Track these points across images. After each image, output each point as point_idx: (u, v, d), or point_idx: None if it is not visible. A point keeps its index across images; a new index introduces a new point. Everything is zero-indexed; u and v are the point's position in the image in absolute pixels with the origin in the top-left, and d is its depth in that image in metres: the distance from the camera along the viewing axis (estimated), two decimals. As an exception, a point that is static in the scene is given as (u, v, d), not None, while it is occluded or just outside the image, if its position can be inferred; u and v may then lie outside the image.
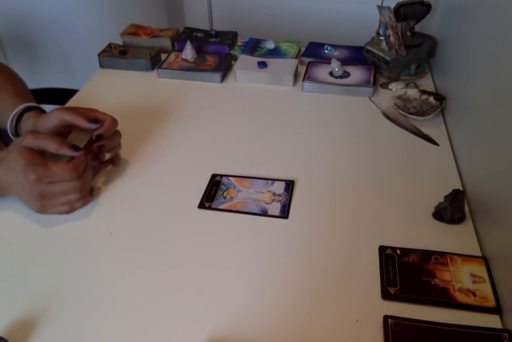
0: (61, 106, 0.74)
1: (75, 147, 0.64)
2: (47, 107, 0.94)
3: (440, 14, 1.07)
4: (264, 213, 0.68)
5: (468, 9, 0.87)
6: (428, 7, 1.01)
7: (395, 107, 0.90)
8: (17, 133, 0.76)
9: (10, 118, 0.75)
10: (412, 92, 0.94)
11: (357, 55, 1.08)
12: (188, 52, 1.04)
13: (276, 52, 1.10)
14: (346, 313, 0.55)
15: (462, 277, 0.58)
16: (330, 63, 1.00)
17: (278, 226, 0.66)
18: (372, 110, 0.93)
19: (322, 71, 1.01)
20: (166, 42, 1.12)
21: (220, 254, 0.62)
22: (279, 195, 0.71)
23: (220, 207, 0.69)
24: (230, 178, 0.74)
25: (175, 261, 0.61)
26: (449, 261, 0.60)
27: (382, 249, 0.62)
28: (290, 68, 1.01)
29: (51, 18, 1.91)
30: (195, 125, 0.88)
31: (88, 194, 0.69)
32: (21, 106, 0.76)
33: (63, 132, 0.69)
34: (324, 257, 0.62)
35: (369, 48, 1.03)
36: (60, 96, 1.08)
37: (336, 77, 1.00)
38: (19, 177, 0.61)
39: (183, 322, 0.54)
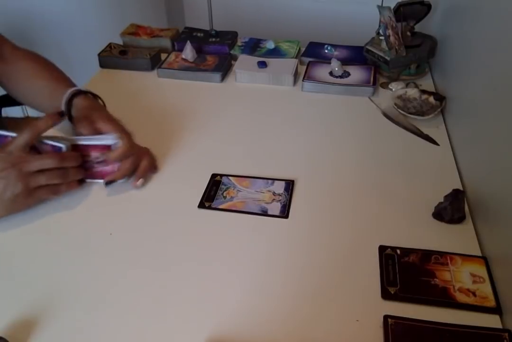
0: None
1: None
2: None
3: (440, 14, 1.07)
4: (264, 213, 0.68)
5: (468, 9, 0.87)
6: (428, 7, 1.01)
7: (395, 107, 0.90)
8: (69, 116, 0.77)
9: (63, 103, 0.76)
10: (412, 92, 0.94)
11: (357, 55, 1.08)
12: (188, 52, 1.04)
13: (276, 52, 1.10)
14: (346, 313, 0.55)
15: (462, 277, 0.58)
16: (330, 63, 1.00)
17: (278, 226, 0.66)
18: (372, 110, 0.93)
19: (322, 71, 1.01)
20: (166, 42, 1.12)
21: (220, 254, 0.62)
22: (279, 195, 0.71)
23: (220, 207, 0.69)
24: (230, 177, 0.74)
25: (175, 260, 0.61)
26: (449, 261, 0.60)
27: (382, 249, 0.62)
28: (290, 68, 1.01)
29: (51, 18, 1.91)
30: (195, 125, 0.88)
31: (74, 180, 0.67)
32: (70, 91, 0.76)
33: None
34: (324, 256, 0.62)
35: (369, 48, 1.03)
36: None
37: (336, 77, 1.00)
38: None
39: (183, 322, 0.54)
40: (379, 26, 0.98)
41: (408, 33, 1.02)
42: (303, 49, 1.13)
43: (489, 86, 0.71)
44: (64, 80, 0.83)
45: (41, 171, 0.62)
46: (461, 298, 0.56)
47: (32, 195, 0.63)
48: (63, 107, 0.76)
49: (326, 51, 1.11)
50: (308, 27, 1.75)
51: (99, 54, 1.07)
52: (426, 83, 1.01)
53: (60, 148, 0.67)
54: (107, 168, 0.71)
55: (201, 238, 0.64)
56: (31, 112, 2.30)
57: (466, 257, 0.61)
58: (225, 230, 0.66)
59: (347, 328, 0.53)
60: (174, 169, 0.77)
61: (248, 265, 0.60)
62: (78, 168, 0.68)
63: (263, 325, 0.53)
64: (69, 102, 0.77)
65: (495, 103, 0.67)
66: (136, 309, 0.55)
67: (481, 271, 0.59)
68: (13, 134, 0.64)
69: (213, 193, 0.71)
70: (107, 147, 0.70)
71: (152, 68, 1.06)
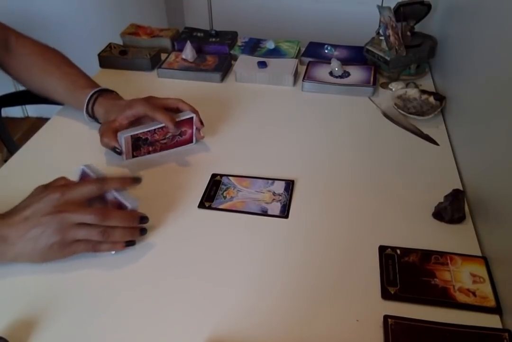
0: (140, 98, 0.79)
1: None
2: (48, 108, 0.93)
3: (440, 14, 1.07)
4: (264, 213, 0.68)
5: (468, 9, 0.87)
6: (428, 7, 1.01)
7: (395, 107, 0.90)
8: (90, 115, 0.82)
9: (85, 103, 0.81)
10: (412, 92, 0.94)
11: (357, 55, 1.08)
12: (188, 52, 1.04)
13: (276, 52, 1.10)
14: (346, 313, 0.55)
15: (462, 277, 0.58)
16: (330, 63, 1.00)
17: (278, 226, 0.66)
18: (372, 110, 0.93)
19: (322, 71, 1.01)
20: (166, 42, 1.12)
21: (220, 254, 0.62)
22: (279, 195, 0.71)
23: (220, 207, 0.69)
24: (230, 177, 0.74)
25: (174, 260, 0.61)
26: (449, 261, 0.60)
27: (382, 249, 0.62)
28: (290, 68, 1.01)
29: (51, 18, 1.91)
30: (195, 125, 0.88)
31: (120, 241, 0.60)
32: (93, 91, 0.81)
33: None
34: (324, 256, 0.62)
35: (369, 48, 1.03)
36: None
37: (336, 77, 1.00)
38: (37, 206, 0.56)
39: (183, 321, 0.54)
40: (379, 26, 0.98)
41: (408, 33, 1.02)
42: (303, 49, 1.13)
43: (489, 86, 0.71)
44: (74, 77, 0.85)
45: (83, 224, 0.57)
46: (461, 298, 0.56)
47: (68, 247, 0.58)
48: (84, 106, 0.81)
49: (326, 51, 1.11)
50: (308, 27, 1.75)
51: (99, 54, 1.07)
52: (426, 83, 1.01)
53: (126, 206, 0.61)
54: (185, 137, 0.81)
55: (201, 238, 0.64)
56: (31, 113, 2.31)
57: (466, 257, 0.61)
58: (225, 230, 0.66)
59: (347, 328, 0.53)
60: (174, 169, 0.77)
61: (248, 265, 0.60)
62: (128, 230, 0.60)
63: (263, 325, 0.53)
64: (92, 107, 0.81)
65: (495, 103, 0.67)
66: (135, 309, 0.55)
67: (481, 271, 0.59)
68: (93, 174, 0.62)
69: (213, 193, 0.71)
70: (189, 121, 0.78)
71: (152, 68, 1.06)
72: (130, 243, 0.61)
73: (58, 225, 0.56)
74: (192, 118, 0.78)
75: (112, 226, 0.58)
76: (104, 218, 0.57)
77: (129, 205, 0.60)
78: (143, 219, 0.61)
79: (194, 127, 0.80)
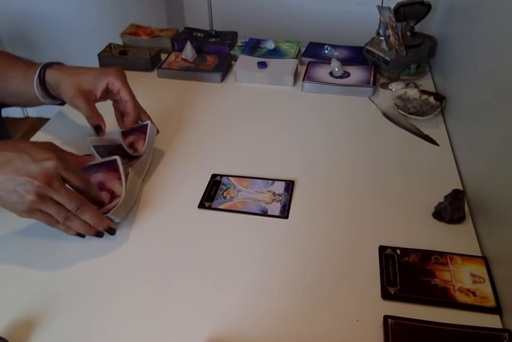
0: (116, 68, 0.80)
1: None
2: (48, 108, 0.94)
3: (440, 14, 1.07)
4: (264, 213, 0.68)
5: (468, 9, 0.87)
6: (428, 7, 1.01)
7: (395, 107, 0.90)
8: (46, 92, 0.76)
9: (34, 80, 0.74)
10: (412, 92, 0.94)
11: (357, 55, 1.08)
12: (188, 52, 1.04)
13: (276, 52, 1.10)
14: (346, 313, 0.55)
15: (462, 277, 0.58)
16: (330, 63, 1.00)
17: (278, 226, 0.66)
18: (372, 110, 0.93)
19: (322, 71, 1.01)
20: (166, 42, 1.12)
21: (220, 254, 0.62)
22: (279, 195, 0.71)
23: (220, 207, 0.69)
24: (230, 177, 0.74)
25: (174, 260, 0.61)
26: (449, 261, 0.60)
27: (382, 249, 0.62)
28: (290, 68, 1.01)
29: (51, 18, 1.91)
30: (195, 125, 0.88)
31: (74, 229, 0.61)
32: (40, 66, 0.75)
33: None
34: (324, 257, 0.62)
35: (369, 48, 1.03)
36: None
37: (336, 77, 1.00)
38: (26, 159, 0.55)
39: (183, 322, 0.54)
40: (379, 26, 0.98)
41: (408, 33, 1.02)
42: (303, 49, 1.13)
43: (489, 86, 0.71)
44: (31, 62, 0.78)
45: (56, 202, 0.57)
46: (461, 298, 0.56)
47: (29, 213, 0.57)
48: (35, 83, 0.74)
49: (326, 51, 1.11)
50: (308, 27, 1.75)
51: (99, 54, 1.07)
52: (426, 83, 1.01)
53: (108, 212, 0.62)
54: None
55: (201, 238, 0.64)
56: (31, 113, 2.31)
57: (466, 257, 0.61)
58: (225, 230, 0.66)
59: (347, 328, 0.53)
60: (174, 170, 0.77)
61: (248, 265, 0.60)
62: (87, 226, 0.60)
63: (263, 325, 0.53)
64: (43, 78, 0.74)
65: (495, 103, 0.67)
66: (136, 309, 0.55)
67: (481, 271, 0.59)
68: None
69: (213, 193, 0.71)
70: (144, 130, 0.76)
71: (152, 68, 1.06)
72: (80, 235, 0.62)
73: (35, 194, 0.55)
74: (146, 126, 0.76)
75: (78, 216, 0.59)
76: (79, 210, 0.58)
77: (111, 214, 0.62)
78: (110, 230, 0.63)
79: (147, 136, 0.75)
